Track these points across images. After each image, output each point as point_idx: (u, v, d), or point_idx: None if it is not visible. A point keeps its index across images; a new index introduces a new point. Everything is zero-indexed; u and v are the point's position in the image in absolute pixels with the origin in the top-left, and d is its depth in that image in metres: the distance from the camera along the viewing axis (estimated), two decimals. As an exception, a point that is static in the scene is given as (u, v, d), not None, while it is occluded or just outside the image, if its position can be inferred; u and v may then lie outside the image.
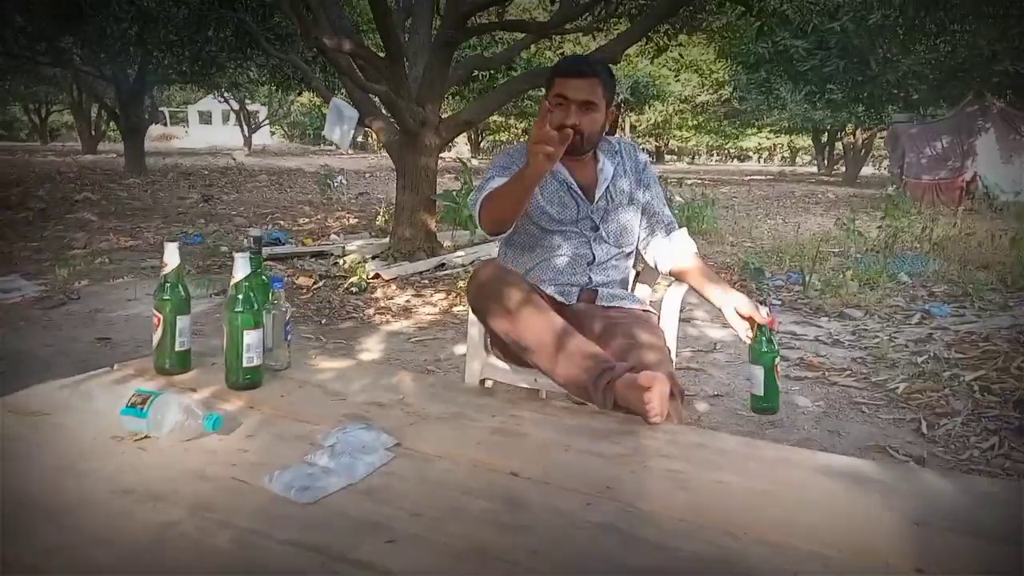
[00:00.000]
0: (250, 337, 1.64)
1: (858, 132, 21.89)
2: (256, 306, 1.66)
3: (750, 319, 1.83)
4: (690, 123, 30.73)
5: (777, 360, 1.71)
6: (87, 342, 3.93)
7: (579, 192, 2.10)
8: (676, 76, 19.83)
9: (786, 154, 43.69)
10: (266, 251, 6.41)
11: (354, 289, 5.15)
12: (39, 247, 6.80)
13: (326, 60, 5.87)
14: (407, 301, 4.96)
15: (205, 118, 48.38)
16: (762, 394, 1.70)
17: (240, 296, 1.64)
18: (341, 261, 6.15)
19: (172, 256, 1.73)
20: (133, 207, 10.10)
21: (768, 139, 36.41)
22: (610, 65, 2.18)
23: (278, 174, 17.45)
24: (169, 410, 1.41)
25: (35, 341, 3.94)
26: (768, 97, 17.94)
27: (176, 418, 1.41)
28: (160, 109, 42.67)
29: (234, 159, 22.78)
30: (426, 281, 5.65)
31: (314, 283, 5.37)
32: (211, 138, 42.15)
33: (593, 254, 2.11)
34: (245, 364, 1.64)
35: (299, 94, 23.48)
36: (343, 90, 7.95)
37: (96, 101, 18.05)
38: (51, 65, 13.02)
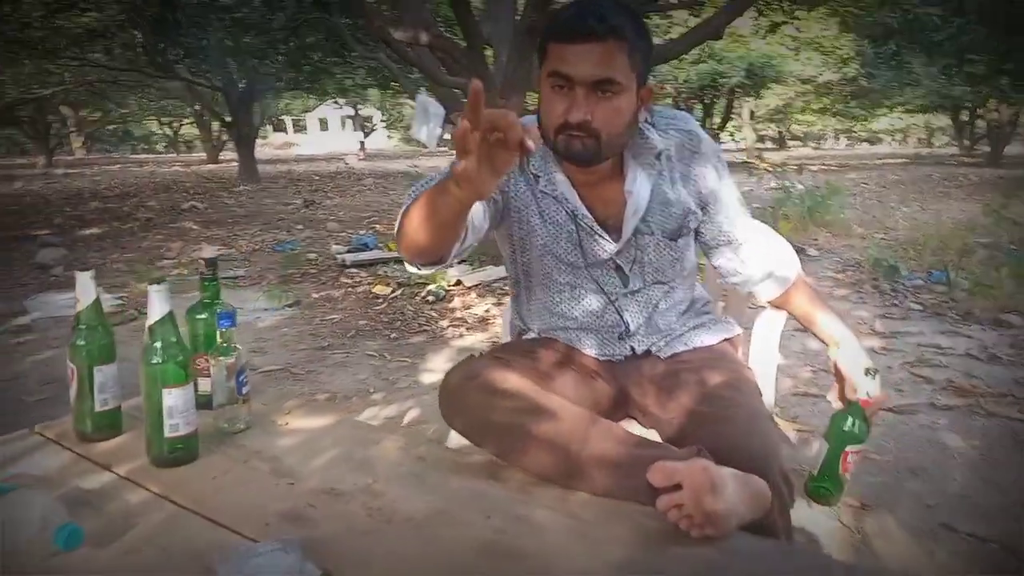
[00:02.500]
0: (174, 397, 1.22)
1: (1003, 107, 19.88)
2: (181, 355, 1.24)
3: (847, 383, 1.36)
4: (814, 106, 28.92)
5: (853, 449, 1.29)
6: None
7: (596, 227, 1.43)
8: (795, 55, 18.52)
9: (922, 135, 40.72)
10: (350, 257, 6.13)
11: (431, 298, 4.75)
12: (132, 258, 6.78)
13: (394, 53, 5.52)
14: (486, 311, 4.51)
15: (324, 125, 49.82)
16: (816, 475, 1.32)
17: (158, 343, 1.23)
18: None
19: (86, 290, 1.33)
20: (236, 215, 10.15)
21: (901, 119, 33.94)
22: (637, 13, 1.32)
23: (385, 177, 17.45)
24: (22, 514, 1.01)
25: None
26: (899, 73, 16.45)
27: (32, 529, 1.00)
28: (281, 118, 44.38)
29: (346, 163, 23.12)
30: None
31: (391, 292, 5.01)
32: (329, 144, 43.26)
33: (624, 320, 1.50)
34: (169, 433, 1.22)
35: (407, 96, 23.57)
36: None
37: (208, 111, 18.57)
38: (160, 78, 13.41)
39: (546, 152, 1.40)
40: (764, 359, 1.58)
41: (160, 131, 39.14)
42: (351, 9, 6.87)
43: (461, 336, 4.05)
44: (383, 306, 4.70)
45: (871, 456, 2.45)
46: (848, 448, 1.30)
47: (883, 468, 2.40)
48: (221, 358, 1.35)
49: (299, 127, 50.82)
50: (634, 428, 1.49)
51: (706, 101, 19.45)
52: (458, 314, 4.47)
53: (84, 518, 1.06)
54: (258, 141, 17.56)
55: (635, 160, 1.42)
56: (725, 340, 1.55)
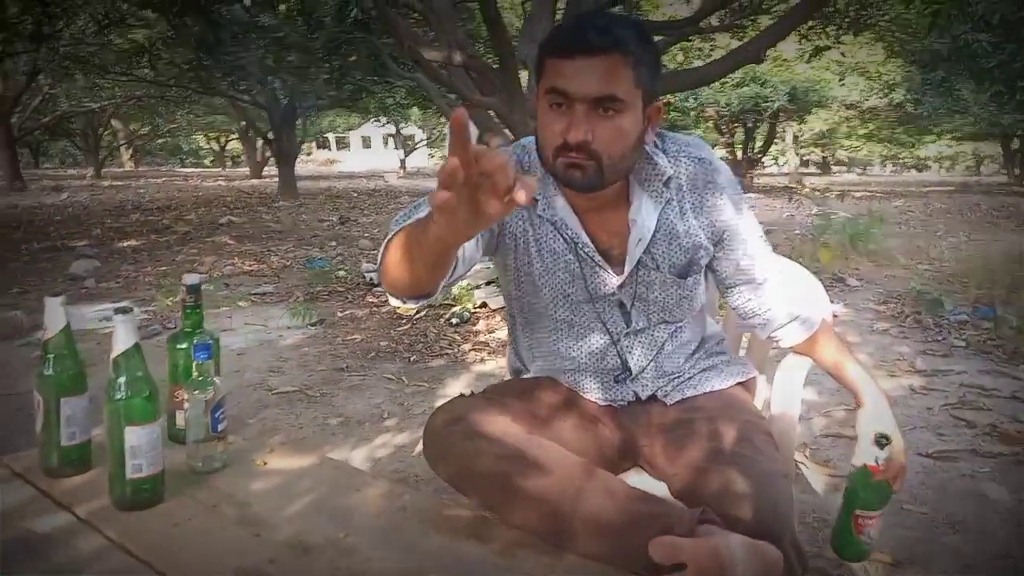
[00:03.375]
0: (137, 436, 1.14)
1: (1057, 136, 19.36)
2: (147, 390, 1.16)
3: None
4: (859, 131, 28.45)
5: (864, 514, 1.24)
6: (162, 378, 3.64)
7: (598, 257, 1.32)
8: (840, 80, 18.20)
9: (970, 162, 39.84)
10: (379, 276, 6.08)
11: (455, 320, 4.67)
12: (166, 271, 6.82)
13: (424, 73, 5.48)
14: (510, 335, 4.41)
15: (367, 143, 50.42)
16: (832, 534, 1.31)
17: (122, 378, 1.15)
18: (454, 287, 5.71)
19: (54, 316, 1.25)
20: (271, 230, 10.20)
21: (949, 147, 33.24)
22: (643, 26, 1.29)
23: (422, 195, 17.44)
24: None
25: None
26: (948, 99, 16.04)
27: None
28: (325, 135, 45.03)
29: (385, 181, 23.27)
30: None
31: (415, 313, 4.93)
32: (371, 162, 43.69)
33: (626, 362, 1.39)
34: (131, 474, 1.14)
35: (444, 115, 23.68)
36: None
37: (252, 128, 18.84)
38: (204, 94, 13.64)
39: (545, 173, 1.29)
40: (785, 408, 1.45)
41: (207, 146, 39.96)
42: (384, 29, 6.87)
43: (482, 361, 3.95)
44: (406, 327, 4.62)
45: (906, 507, 2.30)
46: (858, 512, 1.25)
47: (919, 521, 2.24)
48: (196, 392, 1.26)
49: (342, 144, 51.48)
50: (643, 479, 1.38)
51: (748, 125, 19.17)
52: (481, 337, 4.38)
53: (25, 568, 0.98)
54: (301, 158, 17.77)
55: (641, 186, 1.30)
56: (739, 384, 1.43)
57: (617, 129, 1.18)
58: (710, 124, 20.13)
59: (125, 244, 8.42)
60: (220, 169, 35.67)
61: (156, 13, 9.39)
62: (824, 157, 34.92)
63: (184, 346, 1.38)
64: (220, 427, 1.28)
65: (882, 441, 1.24)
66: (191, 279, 1.37)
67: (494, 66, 5.64)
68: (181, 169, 37.91)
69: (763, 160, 24.71)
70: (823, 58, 12.15)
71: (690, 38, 9.91)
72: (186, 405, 1.28)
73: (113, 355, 1.16)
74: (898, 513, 2.25)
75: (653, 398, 1.41)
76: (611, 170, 1.20)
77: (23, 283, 6.05)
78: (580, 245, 1.32)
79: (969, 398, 3.28)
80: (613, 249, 1.33)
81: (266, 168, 25.78)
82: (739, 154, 20.16)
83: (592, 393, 1.41)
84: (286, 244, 8.82)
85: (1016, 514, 2.30)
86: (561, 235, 1.32)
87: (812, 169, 36.23)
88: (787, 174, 23.25)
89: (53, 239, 8.61)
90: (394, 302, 1.22)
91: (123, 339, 1.15)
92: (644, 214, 1.29)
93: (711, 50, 12.41)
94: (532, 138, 1.33)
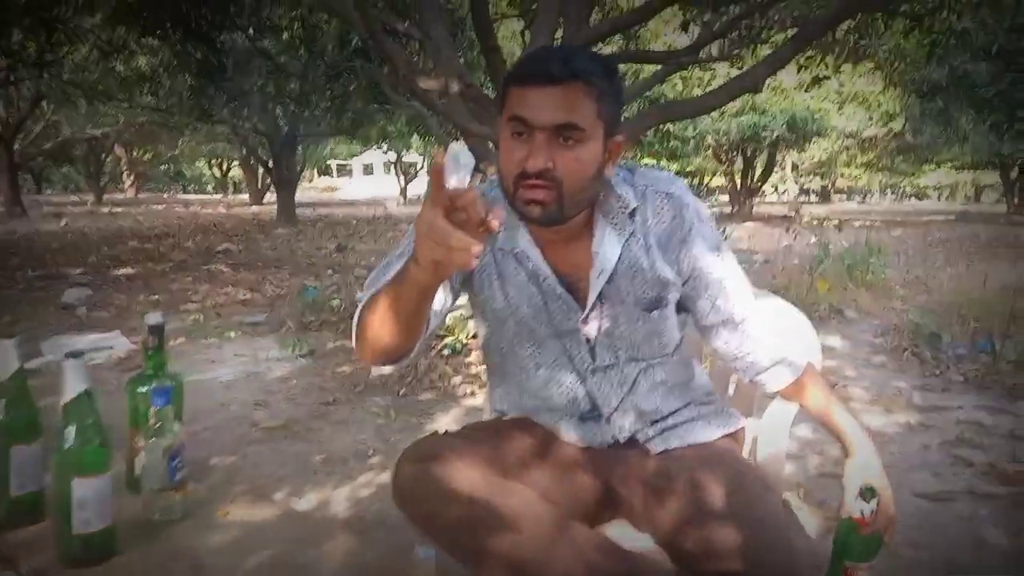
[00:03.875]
0: (86, 488, 1.09)
1: (1056, 165, 19.41)
2: (98, 440, 1.11)
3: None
4: (859, 160, 28.58)
5: (852, 565, 1.20)
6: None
7: (561, 290, 1.30)
8: (839, 109, 18.30)
9: (970, 192, 39.96)
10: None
11: (447, 351, 4.61)
12: (159, 300, 6.77)
13: (421, 103, 5.49)
14: (503, 368, 4.35)
15: (368, 170, 50.64)
16: None
17: (71, 426, 1.10)
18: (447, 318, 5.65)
19: (7, 360, 1.20)
20: (268, 258, 10.18)
21: (949, 175, 33.36)
22: (608, 60, 1.26)
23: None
24: None
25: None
26: (947, 129, 16.12)
27: None
28: (327, 162, 45.21)
29: (385, 208, 23.30)
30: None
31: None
32: (373, 189, 43.84)
33: (594, 401, 1.35)
34: (79, 529, 1.09)
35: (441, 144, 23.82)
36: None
37: (252, 155, 18.92)
38: (204, 121, 13.72)
39: (508, 206, 1.26)
40: (773, 455, 1.40)
41: (210, 172, 40.18)
42: (379, 58, 6.90)
43: (473, 395, 3.89)
44: (398, 359, 4.56)
45: (902, 550, 2.23)
46: (847, 564, 1.21)
47: (914, 566, 2.17)
48: (153, 439, 1.21)
49: (344, 171, 51.71)
50: (625, 531, 1.32)
51: (748, 154, 19.25)
52: (473, 370, 4.31)
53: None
54: (303, 185, 17.82)
55: (605, 218, 1.28)
56: (726, 435, 1.38)
57: (577, 159, 1.17)
58: (709, 152, 20.20)
59: (120, 272, 8.38)
60: (221, 196, 35.80)
61: (159, 40, 9.44)
62: (824, 185, 35.03)
63: (145, 390, 1.34)
64: (178, 476, 1.23)
65: (868, 494, 1.19)
66: (153, 319, 1.33)
67: (492, 96, 5.63)
68: (182, 196, 38.09)
69: (763, 189, 24.74)
70: (822, 87, 12.21)
71: (689, 67, 9.97)
72: (143, 453, 1.23)
73: (63, 401, 1.11)
74: (893, 556, 2.18)
75: (634, 443, 1.36)
76: (571, 201, 1.19)
77: (15, 312, 6.00)
78: (542, 278, 1.29)
79: (967, 435, 3.21)
80: (578, 282, 1.30)
81: (267, 195, 25.87)
82: (738, 182, 20.20)
83: (568, 434, 1.37)
84: (281, 272, 8.79)
85: (1015, 558, 2.23)
86: (524, 268, 1.30)
87: (812, 198, 36.31)
88: (787, 203, 23.30)
89: (49, 267, 8.58)
90: (374, 369, 1.22)
91: (73, 384, 1.11)
92: (607, 246, 1.27)
93: (711, 79, 12.48)
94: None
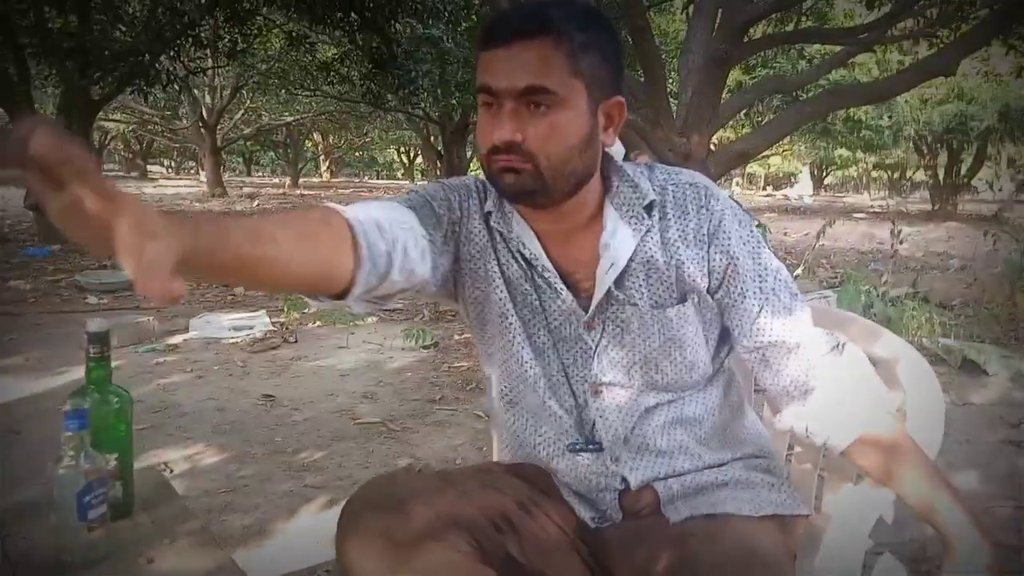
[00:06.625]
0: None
1: None
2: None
3: None
4: (1092, 155, 25.13)
5: None
6: (256, 397, 3.59)
7: (558, 284, 1.04)
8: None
9: None
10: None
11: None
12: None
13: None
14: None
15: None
16: None
17: None
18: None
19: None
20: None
21: None
22: (589, 6, 0.99)
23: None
24: None
25: (210, 390, 3.69)
26: None
27: None
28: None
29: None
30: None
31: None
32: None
33: (592, 426, 1.06)
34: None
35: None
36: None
37: (425, 142, 19.43)
38: (376, 108, 14.16)
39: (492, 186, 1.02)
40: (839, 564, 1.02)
41: (399, 159, 41.97)
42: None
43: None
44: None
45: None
46: None
47: None
48: (62, 472, 1.04)
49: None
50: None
51: (953, 146, 17.37)
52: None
53: None
54: (473, 171, 18.05)
55: (618, 211, 1.02)
56: (773, 518, 1.02)
57: (551, 126, 0.93)
58: (910, 144, 18.47)
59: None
60: (408, 182, 37.27)
61: (335, 29, 9.78)
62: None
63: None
64: (92, 513, 1.05)
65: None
66: (94, 326, 1.15)
67: (639, 79, 5.27)
68: (373, 181, 40.03)
69: (971, 184, 22.35)
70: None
71: (877, 50, 9.01)
72: (54, 485, 1.06)
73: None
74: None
75: (651, 510, 1.04)
76: (553, 175, 0.94)
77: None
78: (539, 269, 1.03)
79: None
80: (583, 280, 1.04)
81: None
82: (941, 177, 18.33)
83: (565, 474, 1.08)
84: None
85: None
86: (516, 260, 1.05)
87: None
88: (999, 202, 20.89)
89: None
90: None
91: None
92: (618, 240, 1.01)
93: (901, 62, 11.25)
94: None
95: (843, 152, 23.52)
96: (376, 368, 4.11)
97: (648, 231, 1.01)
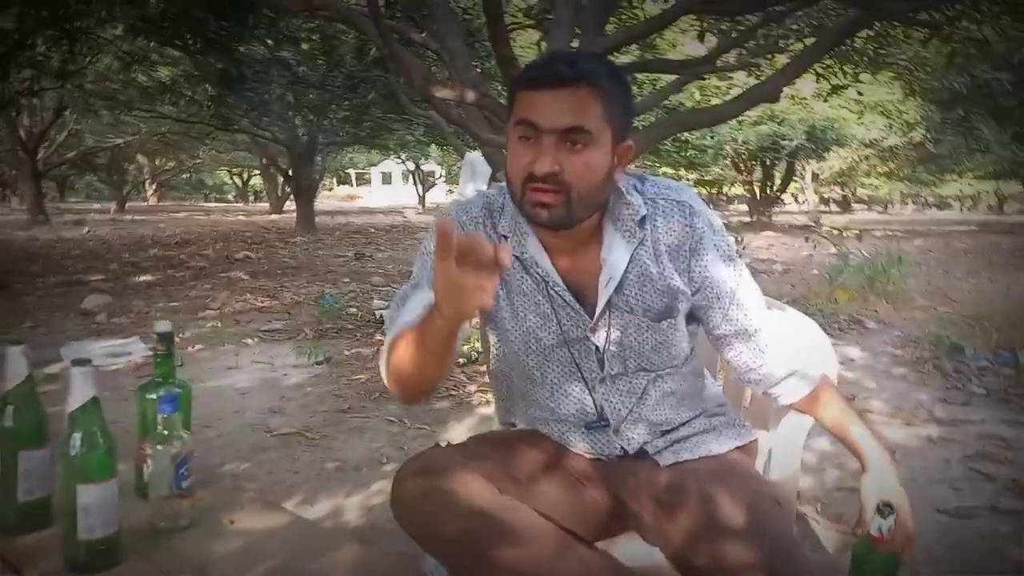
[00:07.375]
0: (91, 495, 1.08)
1: (1081, 175, 19.14)
2: (103, 447, 1.10)
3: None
4: (879, 170, 28.34)
5: None
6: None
7: (569, 296, 1.28)
8: (858, 119, 18.15)
9: (992, 202, 39.52)
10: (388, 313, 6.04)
11: (462, 360, 4.60)
12: (177, 307, 6.82)
13: (437, 112, 5.50)
14: (518, 377, 4.33)
15: (387, 179, 50.80)
16: None
17: (78, 433, 1.10)
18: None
19: (17, 366, 1.20)
20: (286, 266, 10.22)
21: (971, 185, 32.98)
22: (615, 64, 1.29)
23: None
24: None
25: (111, 415, 3.65)
26: (968, 139, 15.96)
27: None
28: (346, 171, 45.45)
29: (404, 217, 23.41)
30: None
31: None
32: (392, 198, 43.93)
33: (601, 411, 1.33)
34: (84, 535, 1.09)
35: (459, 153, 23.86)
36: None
37: (272, 164, 19.06)
38: (225, 130, 13.84)
39: (516, 211, 1.26)
40: (785, 471, 1.37)
41: (231, 181, 40.48)
42: (396, 69, 6.93)
43: (487, 403, 3.87)
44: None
45: (921, 568, 2.19)
46: None
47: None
48: (160, 447, 1.21)
49: (363, 180, 51.89)
50: (636, 544, 1.30)
51: (767, 163, 19.14)
52: (488, 378, 4.30)
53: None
54: (323, 193, 17.91)
55: (614, 225, 1.27)
56: (737, 448, 1.36)
57: (585, 163, 1.16)
58: (728, 162, 20.12)
59: (140, 279, 8.45)
60: (242, 204, 36.04)
61: (180, 51, 9.54)
62: (844, 195, 34.73)
63: (154, 396, 1.33)
64: (185, 483, 1.23)
65: (885, 511, 1.16)
66: (162, 327, 1.32)
67: (507, 105, 5.64)
68: (203, 204, 38.34)
69: (782, 198, 24.58)
70: (841, 96, 12.12)
71: (707, 77, 9.94)
72: (149, 460, 1.23)
73: (69, 409, 1.11)
74: (912, 574, 2.14)
75: (644, 454, 1.34)
76: (580, 205, 1.18)
77: (35, 317, 6.06)
78: (551, 284, 1.28)
79: (989, 450, 3.16)
80: (586, 290, 1.29)
81: (287, 203, 26.02)
82: (757, 192, 20.10)
83: (576, 445, 1.35)
84: (299, 280, 8.81)
85: (1038, 576, 2.19)
86: (531, 275, 1.29)
87: (833, 207, 36.06)
88: (807, 212, 23.15)
89: (69, 273, 8.66)
90: (404, 401, 1.24)
91: (80, 392, 1.10)
92: (615, 253, 1.26)
93: (728, 88, 12.43)
94: (499, 186, 1.31)
95: (667, 170, 25.21)
96: (274, 385, 4.19)
97: (641, 243, 1.27)
